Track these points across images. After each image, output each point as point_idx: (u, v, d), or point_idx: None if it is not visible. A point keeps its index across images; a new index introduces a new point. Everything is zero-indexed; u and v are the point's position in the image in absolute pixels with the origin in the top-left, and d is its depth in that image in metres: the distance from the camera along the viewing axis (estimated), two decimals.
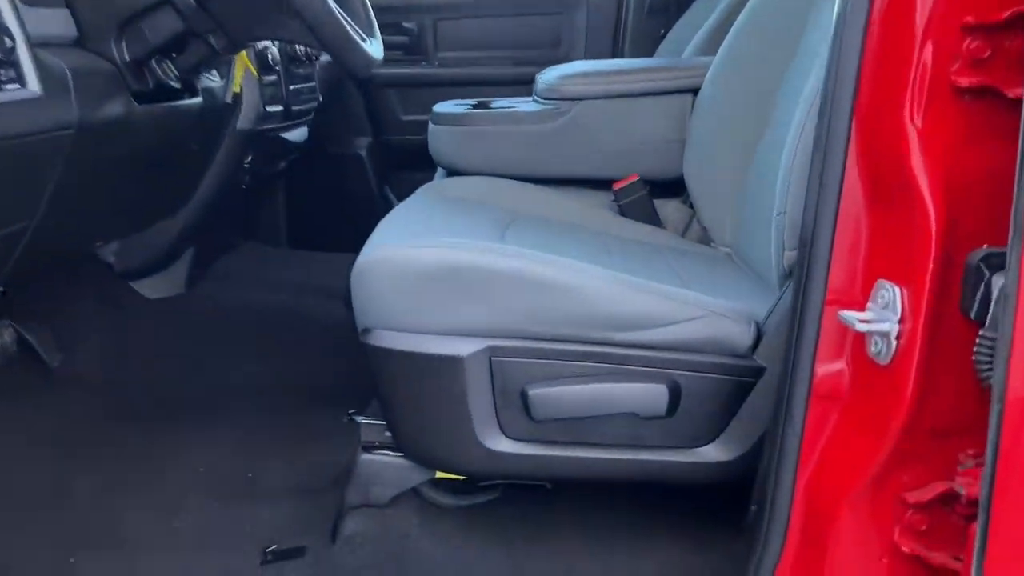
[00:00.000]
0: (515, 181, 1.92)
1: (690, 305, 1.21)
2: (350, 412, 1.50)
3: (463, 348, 1.21)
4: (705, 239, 1.88)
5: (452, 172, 2.09)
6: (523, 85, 2.27)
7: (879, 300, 0.95)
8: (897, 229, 0.94)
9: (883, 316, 0.94)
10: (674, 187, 2.01)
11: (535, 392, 1.21)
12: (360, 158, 2.87)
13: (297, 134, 2.39)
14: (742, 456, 1.24)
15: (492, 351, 1.21)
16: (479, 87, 2.61)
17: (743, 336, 1.22)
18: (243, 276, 2.47)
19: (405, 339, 1.22)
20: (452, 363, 1.21)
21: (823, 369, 1.03)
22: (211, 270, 2.42)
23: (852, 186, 0.98)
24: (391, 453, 1.35)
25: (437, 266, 1.21)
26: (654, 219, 1.95)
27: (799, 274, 1.02)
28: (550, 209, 1.82)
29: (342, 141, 2.82)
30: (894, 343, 0.92)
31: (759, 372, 1.22)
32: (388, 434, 1.33)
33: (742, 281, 1.47)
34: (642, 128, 1.97)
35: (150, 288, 2.15)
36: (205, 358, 2.05)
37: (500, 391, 1.23)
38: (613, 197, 1.96)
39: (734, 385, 1.22)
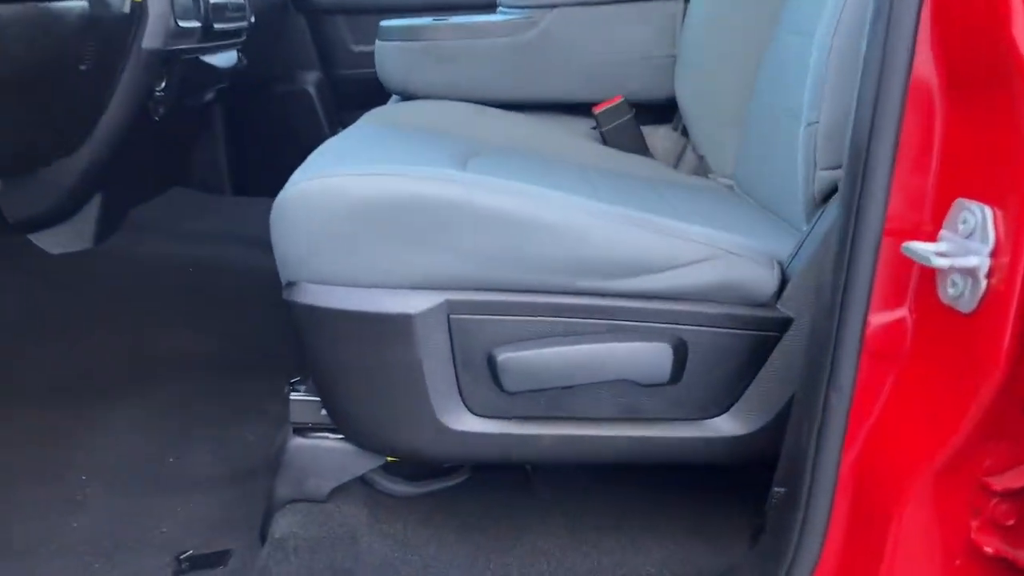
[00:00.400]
0: (479, 106, 1.70)
1: (699, 244, 0.99)
2: (291, 382, 1.29)
3: (413, 304, 0.98)
4: (702, 170, 1.67)
5: (406, 98, 1.84)
6: (489, 10, 2.01)
7: (960, 227, 0.74)
8: (988, 130, 0.72)
9: (967, 248, 0.73)
10: (664, 111, 1.79)
11: (506, 357, 0.99)
12: (308, 95, 2.65)
13: (224, 59, 2.11)
14: (762, 428, 1.04)
15: (450, 307, 0.99)
16: (438, 13, 2.34)
17: (765, 280, 1.00)
18: (166, 227, 2.23)
19: (339, 294, 0.99)
20: (400, 323, 0.98)
21: (878, 319, 0.82)
22: (127, 220, 2.17)
23: (923, 74, 0.76)
24: (330, 436, 1.12)
25: (378, 200, 0.97)
26: (642, 147, 1.73)
27: (848, 196, 0.80)
28: (520, 137, 1.59)
29: (287, 76, 2.62)
30: (983, 283, 0.72)
31: (785, 324, 1.01)
32: (324, 413, 1.10)
33: (753, 216, 1.25)
34: (627, 40, 1.74)
35: (51, 241, 1.90)
36: (118, 323, 1.81)
37: (462, 357, 1.00)
38: (594, 123, 1.73)
39: (754, 341, 1.01)
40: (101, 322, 1.80)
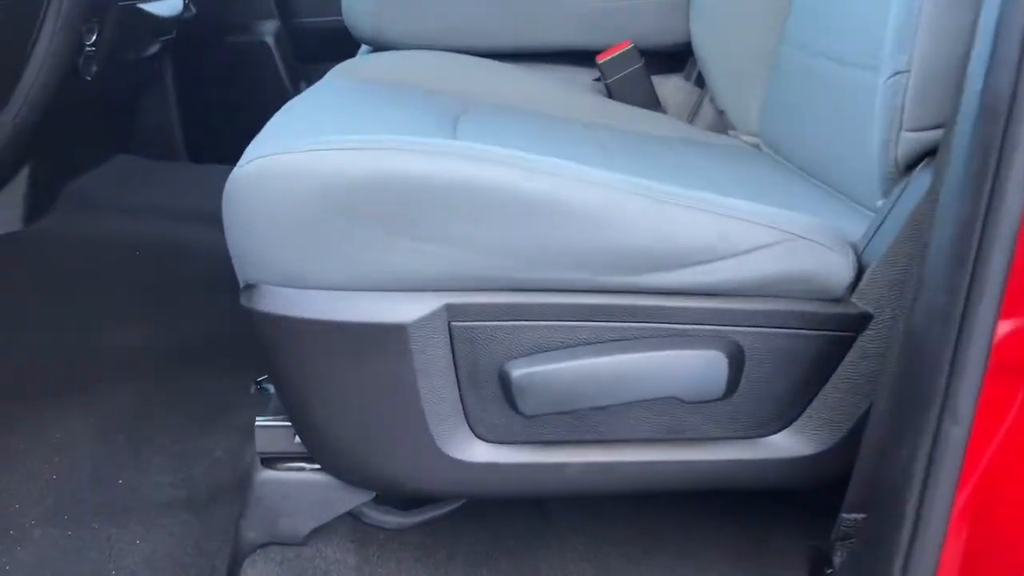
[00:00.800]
0: (465, 56, 1.49)
1: (760, 226, 0.81)
2: (258, 380, 1.14)
3: (405, 310, 0.80)
4: (721, 126, 1.49)
5: (378, 48, 1.63)
6: None
7: None
8: None
9: None
10: (675, 58, 1.60)
11: (522, 373, 0.81)
12: (267, 47, 2.47)
13: (167, 7, 1.89)
14: (831, 448, 0.87)
15: (451, 312, 0.81)
16: None
17: (841, 269, 0.83)
18: (110, 201, 2.02)
19: (311, 300, 0.81)
20: (389, 335, 0.80)
21: (1008, 327, 0.65)
22: (62, 196, 1.96)
23: None
24: (306, 466, 0.94)
25: (356, 180, 0.78)
26: (652, 101, 1.54)
27: (974, 169, 0.62)
28: (515, 92, 1.41)
29: (242, 26, 2.42)
30: None
31: (861, 321, 0.84)
32: (297, 440, 0.92)
33: (803, 187, 1.08)
34: None
35: None
36: (55, 317, 1.62)
37: (467, 373, 0.83)
38: (597, 74, 1.53)
39: (824, 342, 0.84)
40: (35, 316, 1.60)
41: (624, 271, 0.81)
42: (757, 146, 1.39)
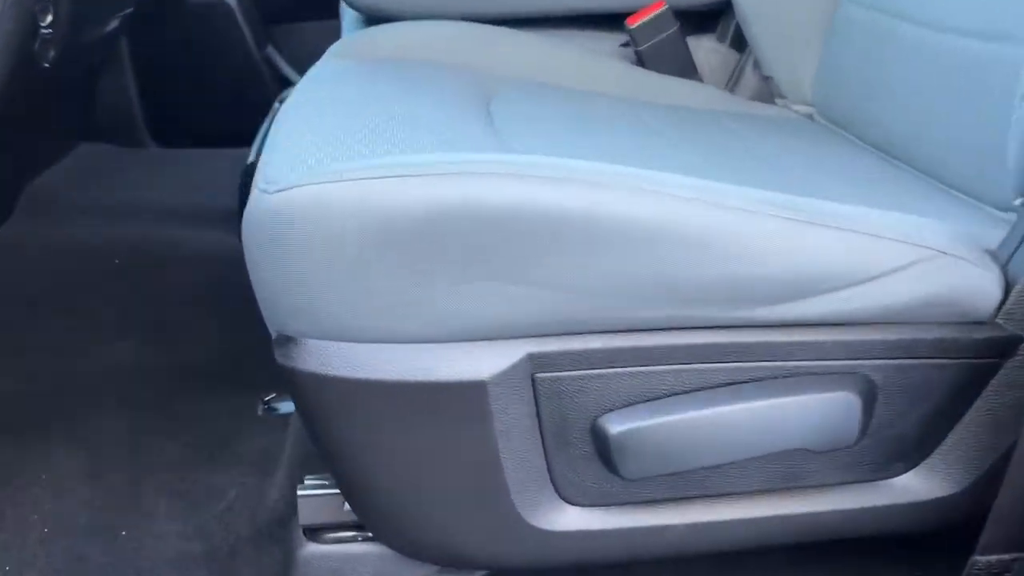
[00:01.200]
0: (478, 25, 1.35)
1: (897, 243, 0.70)
2: (266, 399, 1.10)
3: (483, 364, 0.68)
4: (767, 94, 1.37)
5: (372, 19, 1.47)
6: None
7: None
8: None
9: None
10: (707, 16, 1.47)
11: (621, 430, 0.70)
12: (228, 8, 2.28)
13: None
14: (965, 489, 0.78)
15: (535, 363, 0.69)
16: None
17: (988, 287, 0.72)
18: (78, 199, 1.86)
19: (367, 356, 0.68)
20: (465, 393, 0.68)
21: None
22: (24, 198, 1.79)
23: None
24: (359, 535, 0.82)
25: (415, 213, 0.65)
26: (689, 69, 1.41)
27: None
28: (540, 66, 1.28)
29: None
30: None
31: (1008, 346, 0.73)
32: (347, 508, 0.80)
33: (903, 177, 0.96)
34: None
35: None
36: (31, 337, 1.47)
37: (554, 431, 0.71)
38: (623, 39, 1.40)
39: (963, 371, 0.74)
40: (7, 337, 1.45)
41: (739, 304, 0.69)
42: (810, 116, 1.28)
